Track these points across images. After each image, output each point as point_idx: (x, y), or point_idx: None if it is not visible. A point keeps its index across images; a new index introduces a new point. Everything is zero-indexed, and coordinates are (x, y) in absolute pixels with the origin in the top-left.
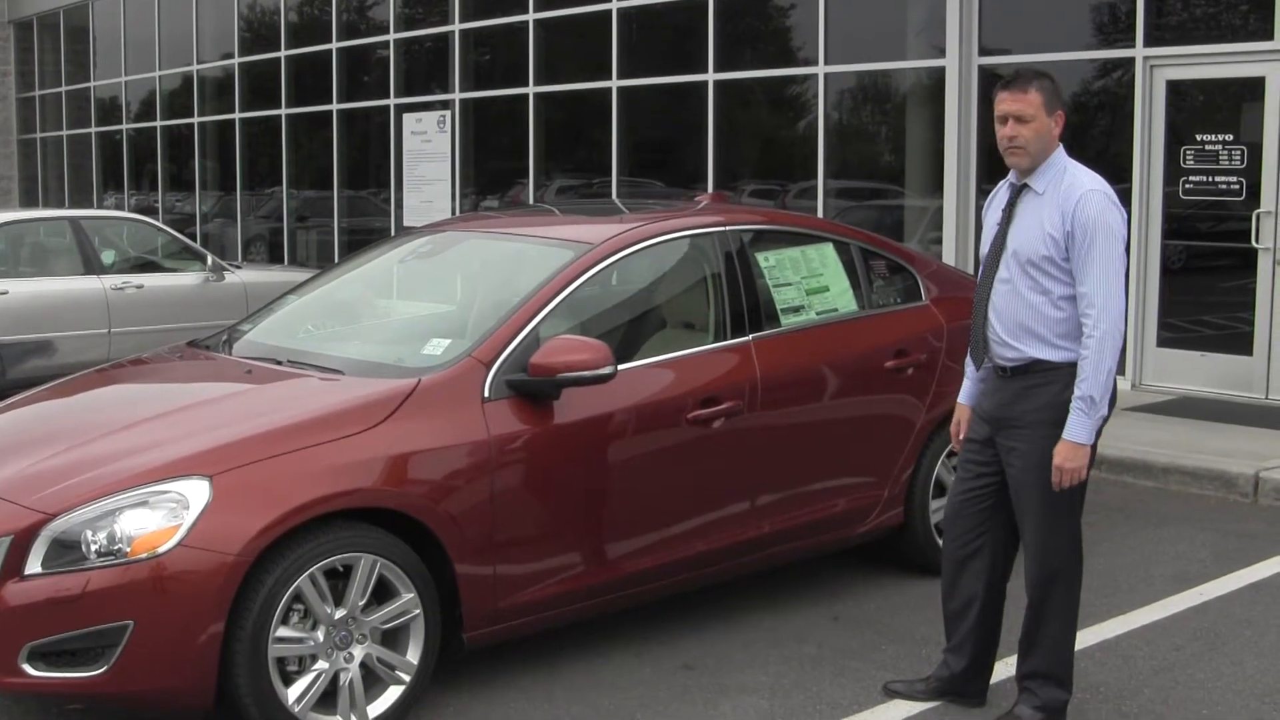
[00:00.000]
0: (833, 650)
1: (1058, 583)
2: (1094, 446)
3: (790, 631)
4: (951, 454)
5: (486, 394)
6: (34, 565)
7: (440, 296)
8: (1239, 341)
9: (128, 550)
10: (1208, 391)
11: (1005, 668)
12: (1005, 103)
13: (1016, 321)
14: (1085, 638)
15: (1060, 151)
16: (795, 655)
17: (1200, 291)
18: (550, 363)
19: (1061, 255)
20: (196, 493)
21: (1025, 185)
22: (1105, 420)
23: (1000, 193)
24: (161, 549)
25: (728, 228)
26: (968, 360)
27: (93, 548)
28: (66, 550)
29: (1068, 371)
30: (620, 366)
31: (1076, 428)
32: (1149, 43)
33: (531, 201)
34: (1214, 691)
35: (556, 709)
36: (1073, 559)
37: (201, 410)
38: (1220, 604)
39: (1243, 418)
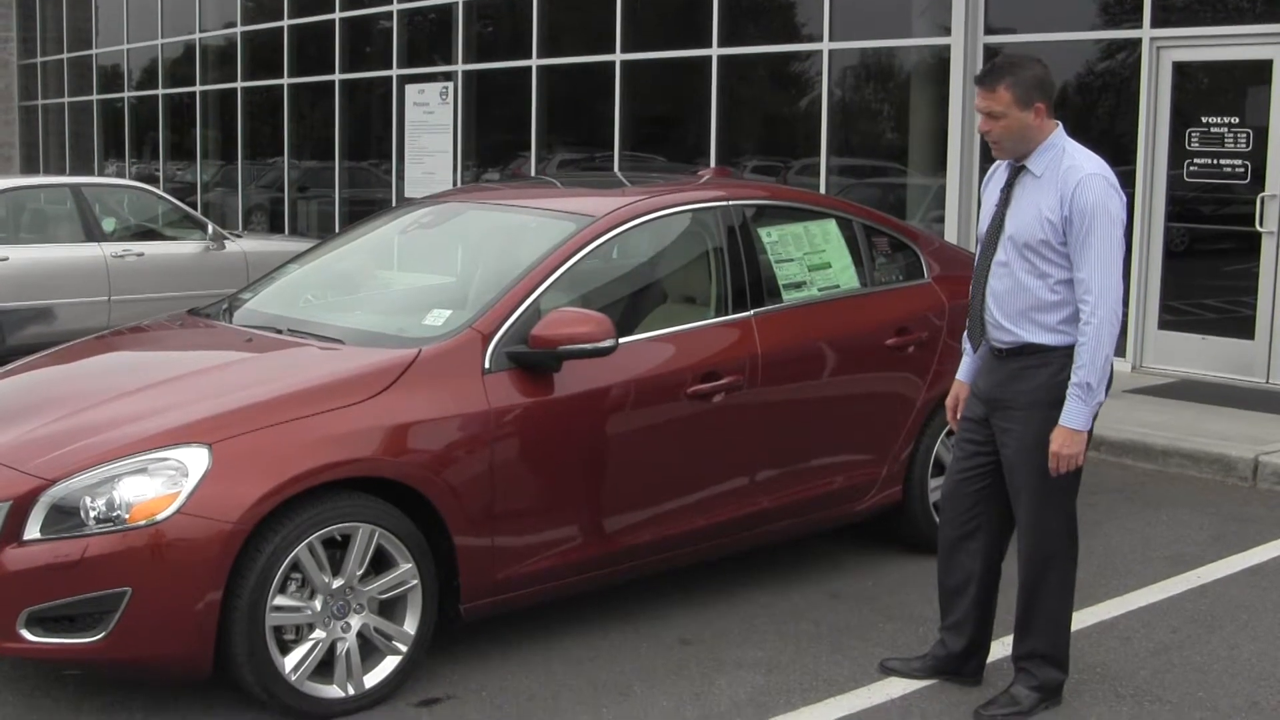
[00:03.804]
0: (830, 627)
1: (1053, 564)
2: (1090, 429)
3: (788, 608)
4: (951, 433)
5: (487, 365)
6: (33, 531)
7: (441, 268)
8: (1241, 325)
9: (126, 517)
10: (1208, 375)
11: (1002, 647)
12: (978, 99)
13: (1013, 304)
14: (1083, 618)
15: (1058, 133)
16: (792, 632)
17: (1203, 275)
18: (551, 335)
19: (1059, 239)
20: (196, 460)
21: (1023, 167)
22: (1100, 404)
23: (999, 171)
24: (160, 516)
25: (730, 202)
26: (965, 337)
27: (91, 514)
28: (65, 516)
29: (1063, 354)
30: (621, 340)
31: (1073, 414)
32: (1155, 24)
33: (534, 174)
34: (1210, 674)
35: (554, 681)
36: (1068, 540)
37: (201, 378)
38: (1218, 587)
39: (1243, 401)
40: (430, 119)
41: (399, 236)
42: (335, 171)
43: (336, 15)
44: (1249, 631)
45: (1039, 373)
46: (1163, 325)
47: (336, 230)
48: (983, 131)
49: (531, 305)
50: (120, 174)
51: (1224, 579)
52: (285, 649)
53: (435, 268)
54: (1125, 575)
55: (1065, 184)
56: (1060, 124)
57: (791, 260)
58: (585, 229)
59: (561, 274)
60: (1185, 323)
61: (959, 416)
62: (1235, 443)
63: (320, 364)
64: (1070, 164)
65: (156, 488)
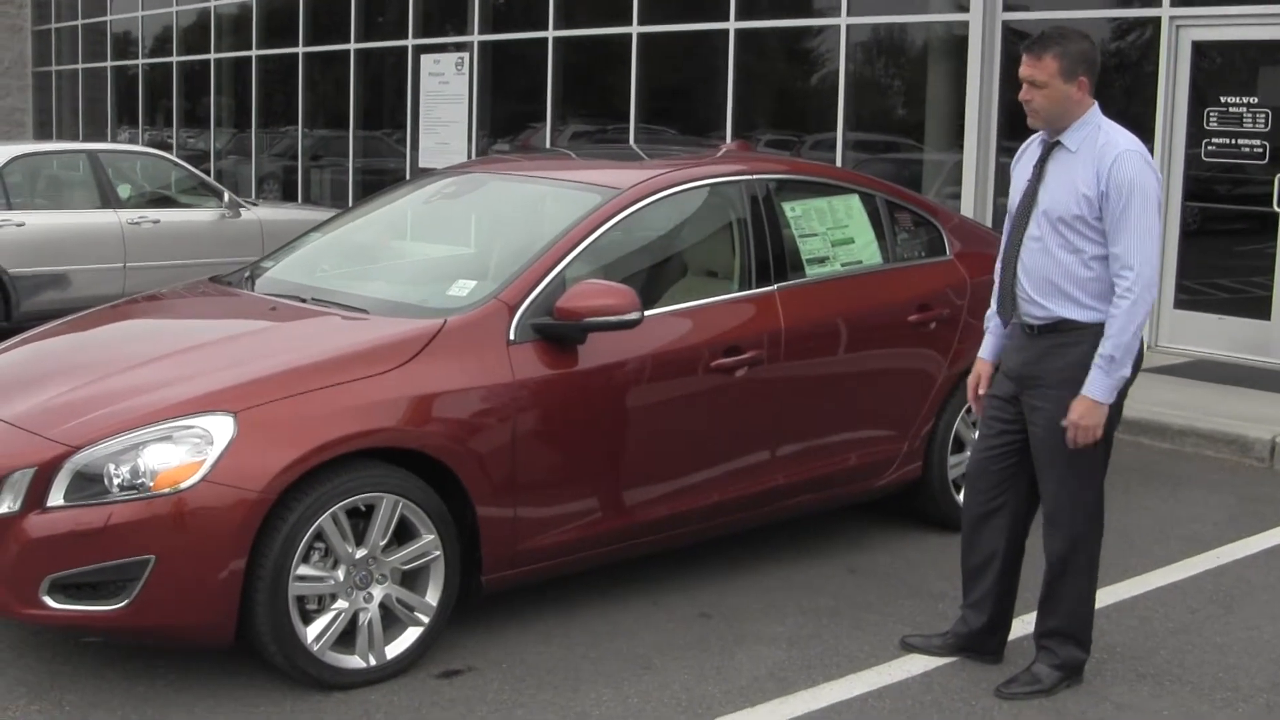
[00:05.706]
0: (849, 603)
1: (1079, 543)
2: (1119, 408)
3: (807, 583)
4: (970, 410)
5: (512, 337)
6: (56, 498)
7: (466, 238)
8: (1257, 305)
9: (151, 485)
10: (1224, 355)
11: (1023, 625)
12: (1023, 66)
13: (1046, 279)
14: (1102, 598)
15: (1094, 110)
16: (812, 607)
17: (1219, 254)
18: (576, 307)
19: (1094, 215)
20: (221, 429)
21: (1058, 142)
22: (1129, 382)
23: (1031, 148)
24: (184, 484)
25: (754, 176)
26: (988, 315)
27: (115, 481)
28: (89, 483)
29: (1095, 332)
30: (645, 313)
31: (1095, 384)
32: (1174, 2)
33: (549, 146)
34: (1230, 654)
35: (573, 653)
36: (1094, 520)
37: (226, 346)
38: (1236, 568)
39: (1259, 382)
40: (445, 89)
41: (423, 207)
42: (349, 141)
43: None
44: (1269, 612)
45: (1072, 350)
46: (1178, 305)
47: (350, 200)
48: (1023, 100)
49: (557, 277)
50: (133, 141)
51: (1242, 560)
52: (308, 619)
53: (459, 238)
54: (1143, 555)
55: (1102, 159)
56: (1097, 103)
57: (815, 235)
58: (611, 201)
59: (587, 246)
60: (1201, 302)
61: (982, 394)
62: (1252, 423)
63: (345, 333)
64: (1106, 140)
65: (181, 455)
